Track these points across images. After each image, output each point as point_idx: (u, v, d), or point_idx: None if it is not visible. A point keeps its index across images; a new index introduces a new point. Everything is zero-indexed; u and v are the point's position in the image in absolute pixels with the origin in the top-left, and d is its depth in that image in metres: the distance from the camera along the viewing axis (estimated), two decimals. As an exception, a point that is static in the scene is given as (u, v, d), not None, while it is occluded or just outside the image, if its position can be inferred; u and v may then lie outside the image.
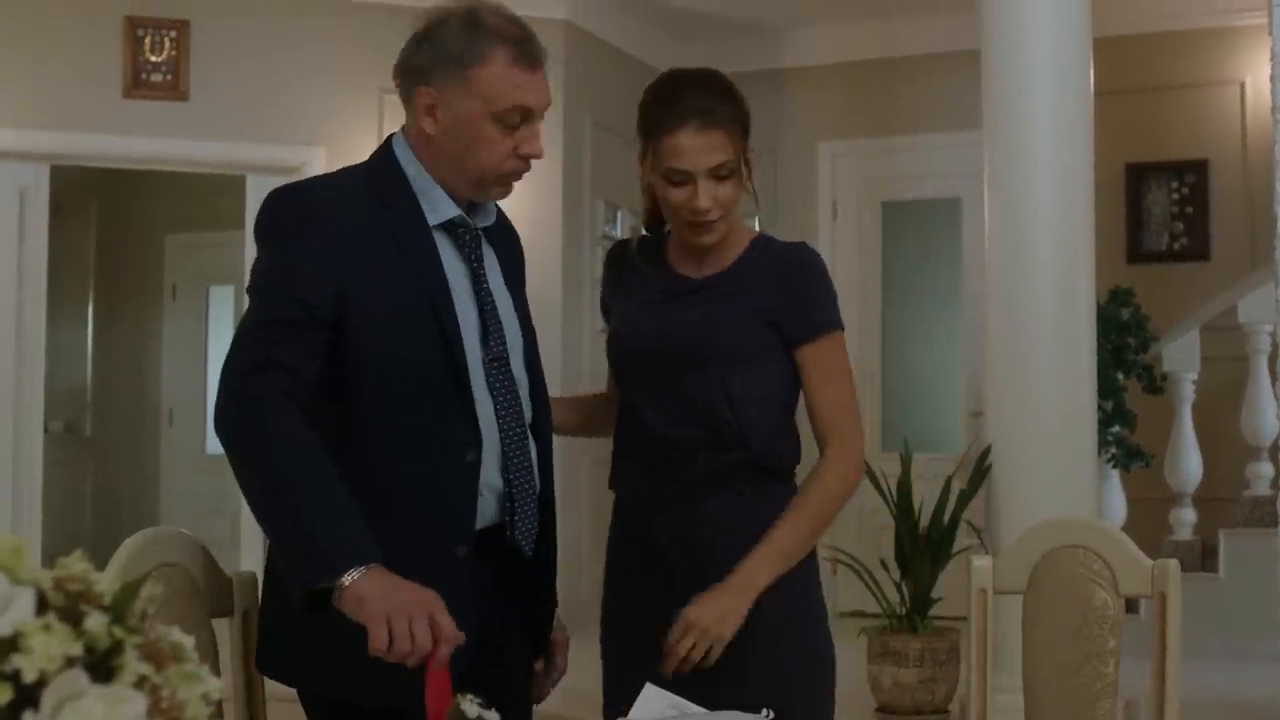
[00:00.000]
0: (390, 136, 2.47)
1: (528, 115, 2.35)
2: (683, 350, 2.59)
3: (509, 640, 2.48)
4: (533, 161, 2.40)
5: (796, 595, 2.59)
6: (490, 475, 2.37)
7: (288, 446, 2.19)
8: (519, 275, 2.58)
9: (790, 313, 2.59)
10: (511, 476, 2.40)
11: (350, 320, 2.29)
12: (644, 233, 2.78)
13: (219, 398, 2.26)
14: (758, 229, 2.76)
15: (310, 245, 2.30)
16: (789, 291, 2.59)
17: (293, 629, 2.33)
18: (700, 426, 2.57)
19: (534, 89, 2.35)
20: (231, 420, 2.23)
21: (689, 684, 2.42)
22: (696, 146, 2.51)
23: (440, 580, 2.19)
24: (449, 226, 2.40)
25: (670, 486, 2.60)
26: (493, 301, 2.42)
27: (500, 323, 2.42)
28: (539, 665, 2.56)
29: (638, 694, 2.31)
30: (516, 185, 2.47)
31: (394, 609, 2.05)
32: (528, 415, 2.46)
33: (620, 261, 2.77)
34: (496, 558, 2.40)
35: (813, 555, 2.64)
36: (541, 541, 2.48)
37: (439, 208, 2.39)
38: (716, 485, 2.58)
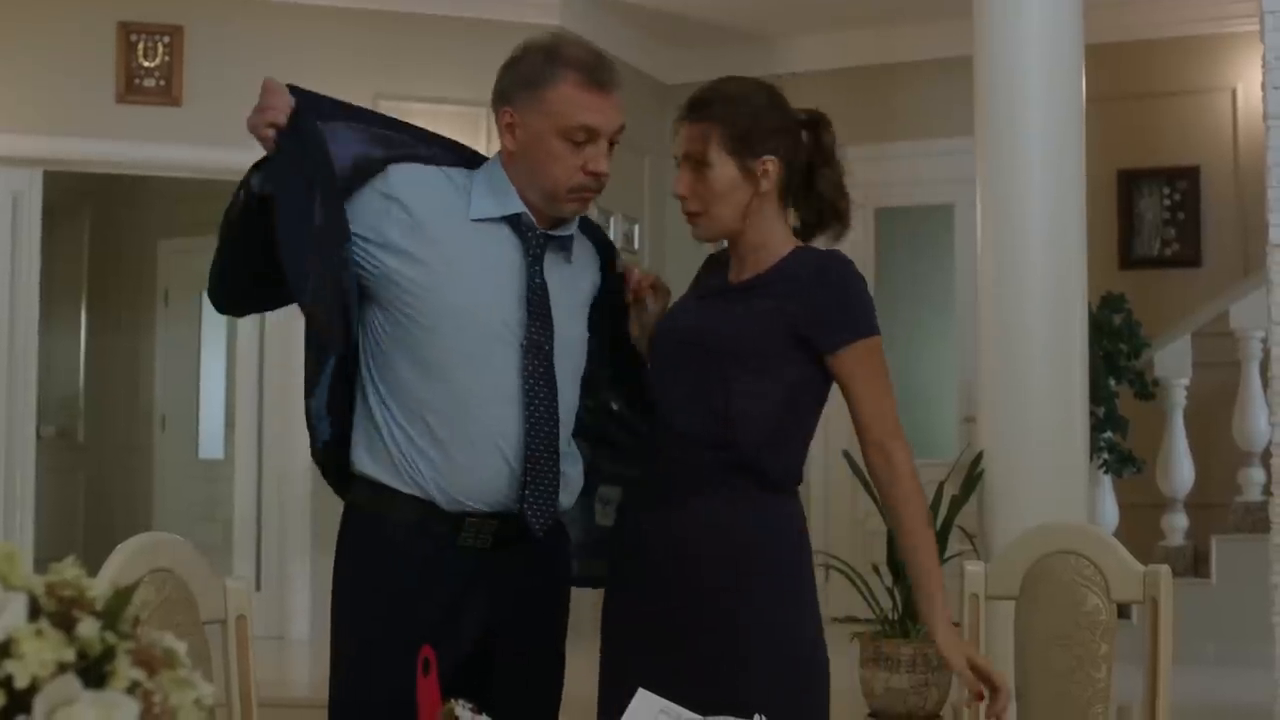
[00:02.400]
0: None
1: (593, 134, 2.57)
2: (693, 343, 2.65)
3: (523, 624, 2.63)
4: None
5: (783, 605, 2.61)
6: (510, 452, 2.56)
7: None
8: (591, 287, 2.78)
9: (819, 325, 2.62)
10: (529, 453, 2.56)
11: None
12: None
13: None
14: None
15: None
16: (817, 303, 2.63)
17: None
18: (697, 418, 2.61)
19: (600, 110, 2.57)
20: None
21: (679, 688, 2.43)
22: (680, 134, 2.69)
23: (443, 556, 2.53)
24: (513, 221, 2.62)
25: (664, 480, 2.64)
26: (542, 297, 2.61)
27: (549, 317, 2.61)
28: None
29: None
30: None
31: (254, 117, 2.52)
32: (567, 412, 2.64)
33: (702, 271, 2.88)
34: (508, 539, 2.59)
35: (804, 565, 2.66)
36: (559, 528, 2.68)
37: (506, 204, 2.62)
38: (705, 483, 2.60)
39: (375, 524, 2.60)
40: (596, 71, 2.58)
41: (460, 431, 2.54)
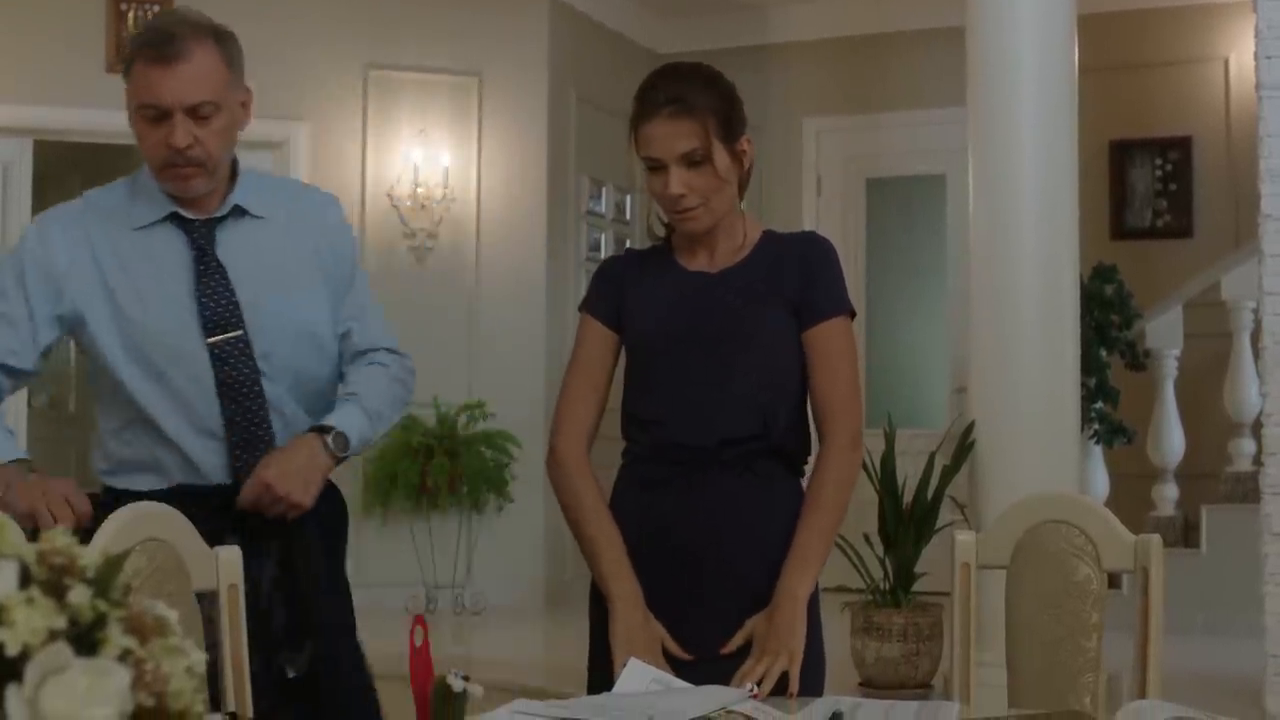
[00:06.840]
0: None
1: (161, 111, 2.55)
2: (711, 336, 2.62)
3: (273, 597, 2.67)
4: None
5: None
6: (216, 436, 2.66)
7: None
8: (315, 249, 2.77)
9: (805, 295, 2.62)
10: (236, 438, 2.66)
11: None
12: (653, 239, 2.80)
13: None
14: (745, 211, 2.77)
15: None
16: (806, 274, 2.64)
17: None
18: (723, 411, 2.59)
19: (160, 85, 2.53)
20: None
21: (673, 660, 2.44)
22: (666, 134, 2.55)
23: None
24: (175, 218, 2.66)
25: (683, 468, 2.61)
26: (221, 281, 2.64)
27: (232, 301, 2.64)
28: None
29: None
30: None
31: (37, 498, 2.60)
32: (275, 385, 2.69)
33: (621, 273, 2.76)
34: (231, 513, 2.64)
35: None
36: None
37: (159, 206, 2.66)
38: (730, 468, 2.60)
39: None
40: (158, 47, 2.54)
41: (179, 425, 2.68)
